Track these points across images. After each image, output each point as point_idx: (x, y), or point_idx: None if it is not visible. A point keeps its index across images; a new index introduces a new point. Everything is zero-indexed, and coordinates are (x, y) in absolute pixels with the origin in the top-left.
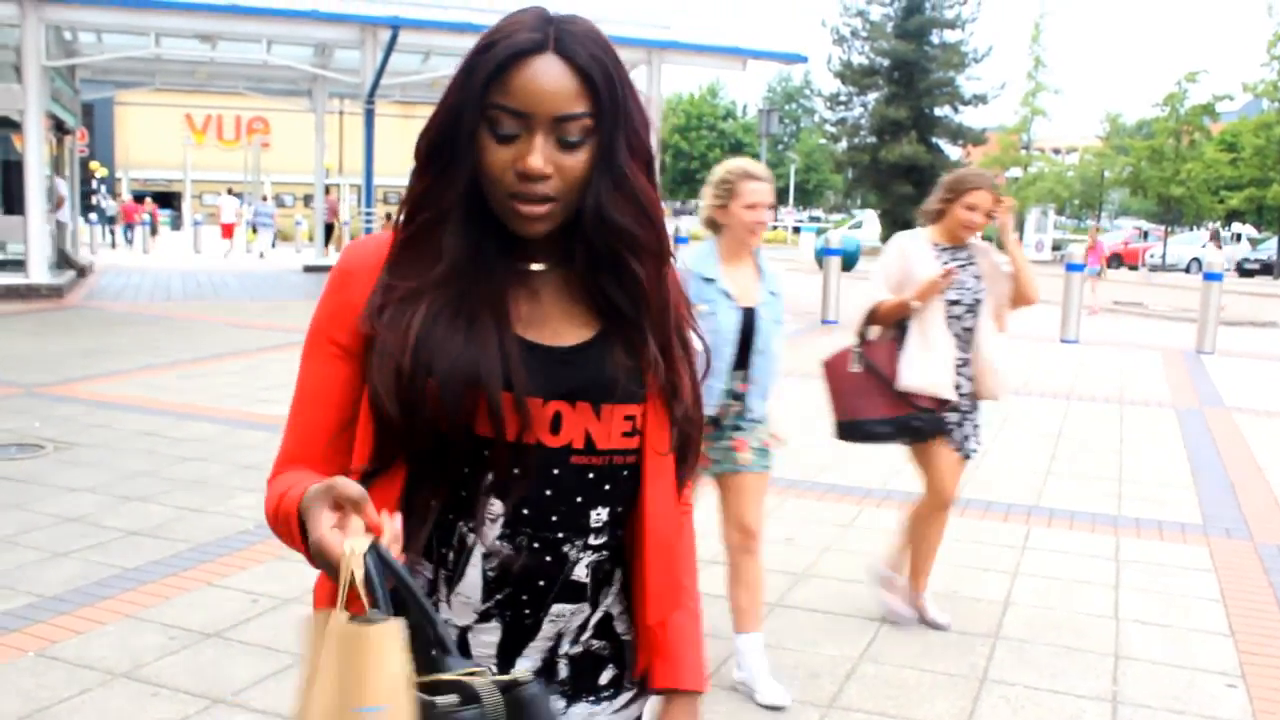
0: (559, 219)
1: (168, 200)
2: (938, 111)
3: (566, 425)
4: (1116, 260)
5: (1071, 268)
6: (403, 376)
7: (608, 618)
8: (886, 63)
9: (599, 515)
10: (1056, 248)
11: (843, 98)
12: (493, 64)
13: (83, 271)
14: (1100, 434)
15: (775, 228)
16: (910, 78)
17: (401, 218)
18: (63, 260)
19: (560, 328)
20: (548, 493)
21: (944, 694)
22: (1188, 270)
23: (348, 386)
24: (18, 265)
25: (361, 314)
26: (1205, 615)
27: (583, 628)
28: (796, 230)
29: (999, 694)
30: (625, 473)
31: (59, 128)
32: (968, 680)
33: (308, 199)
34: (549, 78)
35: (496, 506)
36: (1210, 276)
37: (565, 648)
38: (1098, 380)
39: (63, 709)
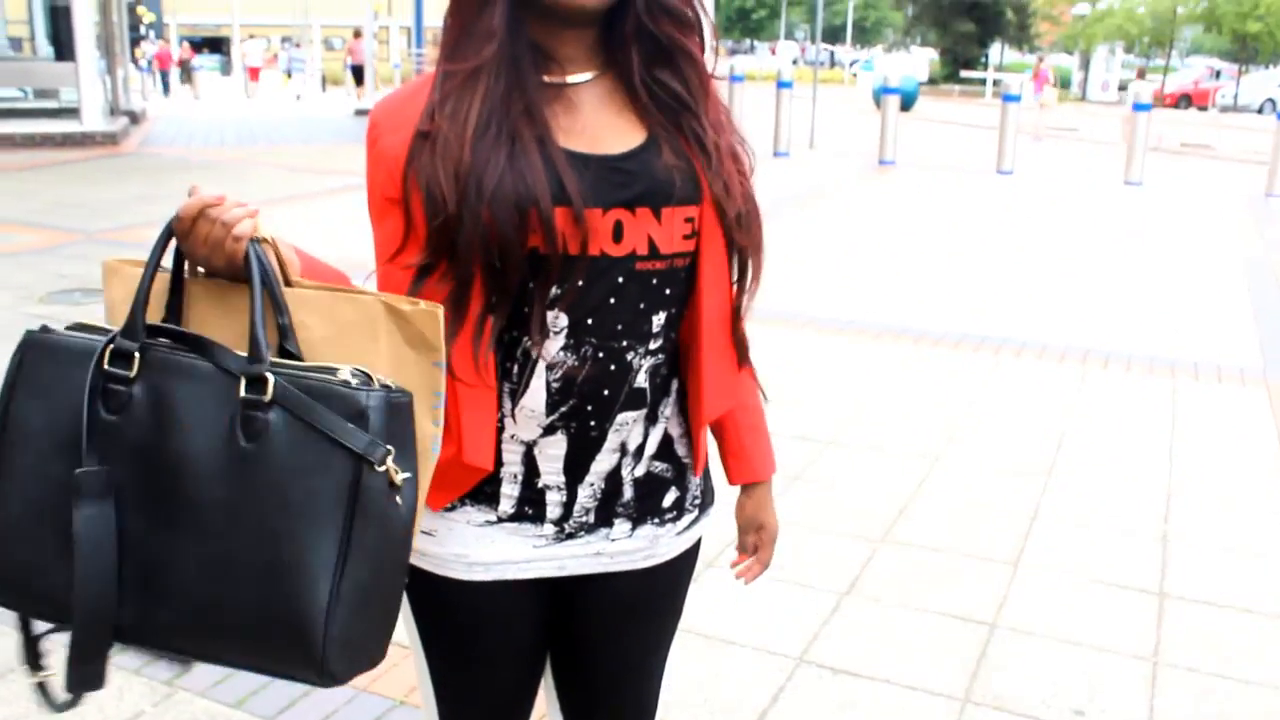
0: None
1: (217, 45)
2: None
3: (629, 233)
4: (1185, 101)
5: (1139, 107)
6: (461, 176)
7: (668, 440)
8: None
9: (658, 319)
10: (1123, 87)
11: None
12: None
13: (135, 118)
14: (1160, 279)
15: (832, 66)
16: None
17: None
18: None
19: (604, 136)
20: (611, 301)
21: (999, 528)
22: (1260, 111)
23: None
24: (72, 113)
25: (399, 161)
26: (1259, 456)
27: (642, 449)
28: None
29: (1048, 530)
30: (683, 274)
31: None
32: (1022, 516)
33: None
34: None
35: (560, 319)
36: None
37: (629, 470)
38: (1161, 224)
39: None
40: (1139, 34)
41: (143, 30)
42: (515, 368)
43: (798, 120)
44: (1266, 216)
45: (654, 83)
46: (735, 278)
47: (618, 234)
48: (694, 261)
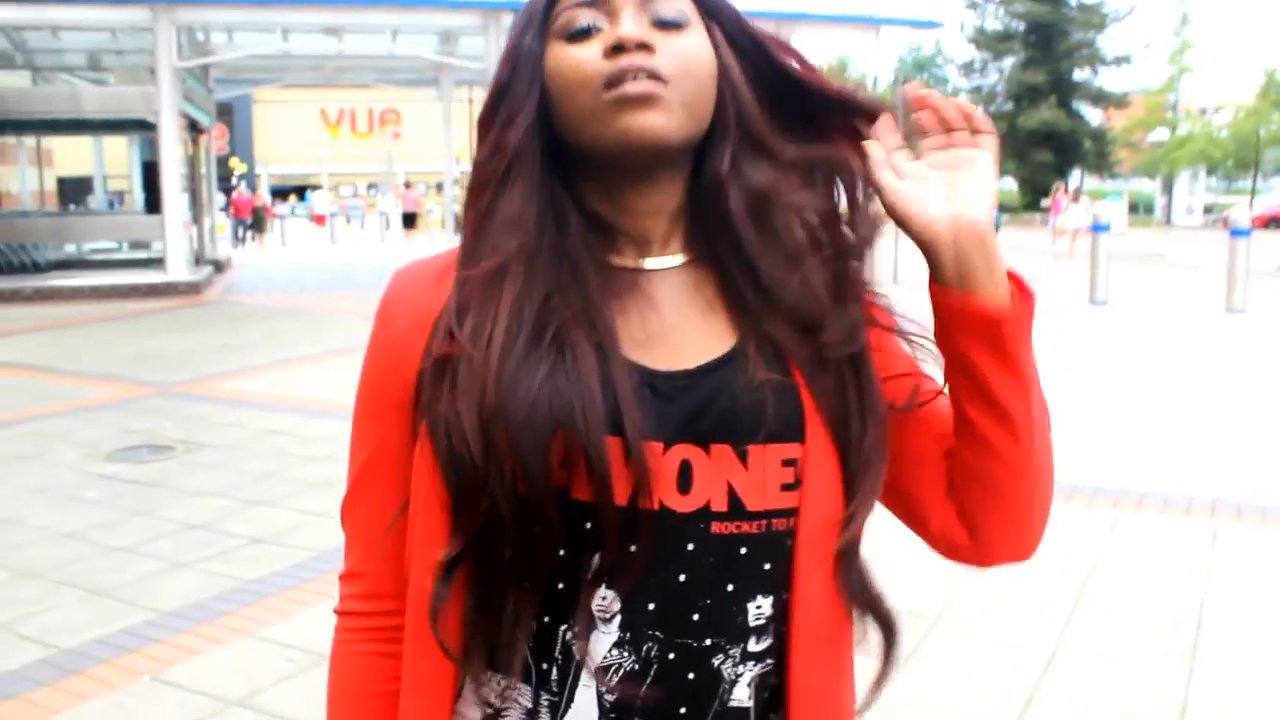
0: (679, 121)
1: (305, 194)
2: (1077, 75)
3: (700, 479)
4: (1274, 223)
5: (1236, 233)
6: (485, 411)
7: None
8: (1022, 26)
9: (759, 609)
10: (1208, 211)
11: (977, 65)
12: None
13: (220, 267)
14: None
15: None
16: (1048, 40)
17: (465, 200)
18: (201, 256)
19: (685, 344)
20: (681, 578)
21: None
22: None
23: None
24: (159, 263)
25: (414, 355)
26: None
27: None
28: None
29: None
30: (789, 542)
31: (193, 127)
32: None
33: (439, 187)
34: None
35: (610, 601)
36: None
37: None
38: (1271, 355)
39: None
40: (1222, 157)
41: (234, 180)
42: (553, 671)
43: (881, 253)
44: None
45: (742, 272)
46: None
47: (684, 481)
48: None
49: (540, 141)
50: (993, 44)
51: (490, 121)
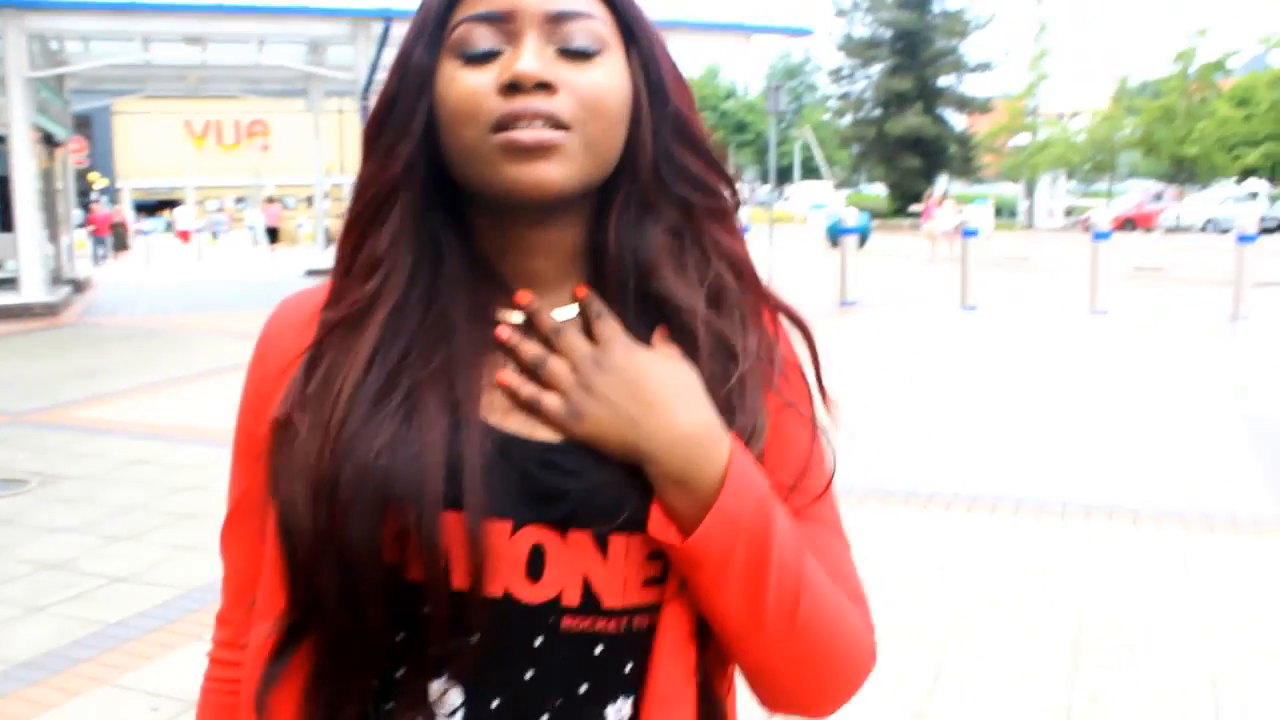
0: (580, 169)
1: (171, 208)
2: (942, 81)
3: (553, 567)
4: (1130, 224)
5: (1098, 236)
6: (317, 479)
7: None
8: (889, 33)
9: (619, 712)
10: (1068, 213)
11: (845, 71)
12: None
13: (80, 287)
14: (1146, 416)
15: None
16: (914, 48)
17: (342, 226)
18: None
19: None
20: (528, 676)
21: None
22: (1203, 230)
23: None
24: (11, 283)
25: (274, 403)
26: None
27: None
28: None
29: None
30: (648, 642)
31: (48, 140)
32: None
33: (310, 200)
34: None
35: (450, 694)
36: (1244, 239)
37: None
38: (1133, 355)
39: None
40: (1080, 161)
41: (94, 195)
42: None
43: (756, 262)
44: (1237, 340)
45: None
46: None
47: (535, 568)
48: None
49: (425, 168)
50: (861, 51)
51: (376, 137)
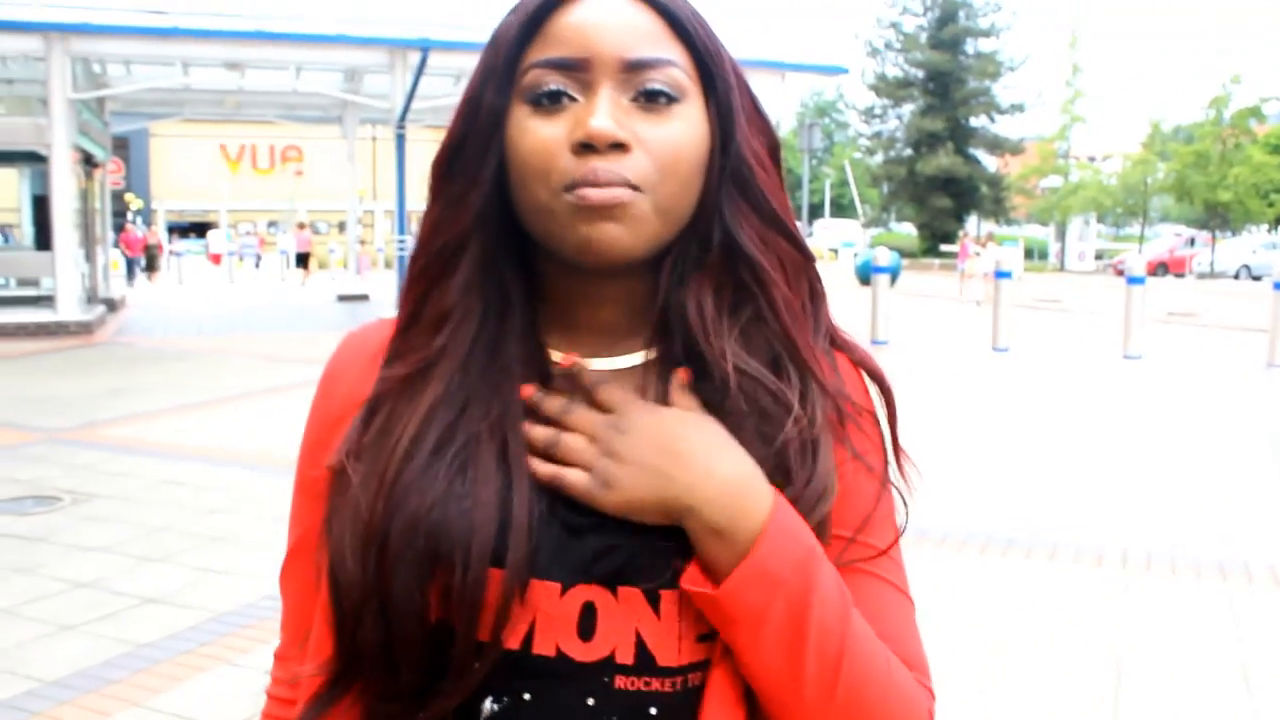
0: (650, 231)
1: (204, 231)
2: (974, 122)
3: (605, 626)
4: (1162, 269)
5: (1133, 280)
6: (367, 532)
7: None
8: (921, 74)
9: None
10: (1099, 256)
11: (877, 110)
12: (527, 13)
13: (114, 306)
14: (1181, 462)
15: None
16: (945, 88)
17: (405, 278)
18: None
19: None
20: None
21: None
22: (1236, 277)
23: None
24: (48, 301)
25: (336, 443)
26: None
27: None
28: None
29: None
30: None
31: (88, 161)
32: None
33: (342, 226)
34: (613, 11)
35: None
36: None
37: None
38: (1167, 400)
39: None
40: (1111, 204)
41: (129, 217)
42: None
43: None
44: (1273, 387)
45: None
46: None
47: (587, 626)
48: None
49: (496, 214)
50: (893, 91)
51: (445, 179)
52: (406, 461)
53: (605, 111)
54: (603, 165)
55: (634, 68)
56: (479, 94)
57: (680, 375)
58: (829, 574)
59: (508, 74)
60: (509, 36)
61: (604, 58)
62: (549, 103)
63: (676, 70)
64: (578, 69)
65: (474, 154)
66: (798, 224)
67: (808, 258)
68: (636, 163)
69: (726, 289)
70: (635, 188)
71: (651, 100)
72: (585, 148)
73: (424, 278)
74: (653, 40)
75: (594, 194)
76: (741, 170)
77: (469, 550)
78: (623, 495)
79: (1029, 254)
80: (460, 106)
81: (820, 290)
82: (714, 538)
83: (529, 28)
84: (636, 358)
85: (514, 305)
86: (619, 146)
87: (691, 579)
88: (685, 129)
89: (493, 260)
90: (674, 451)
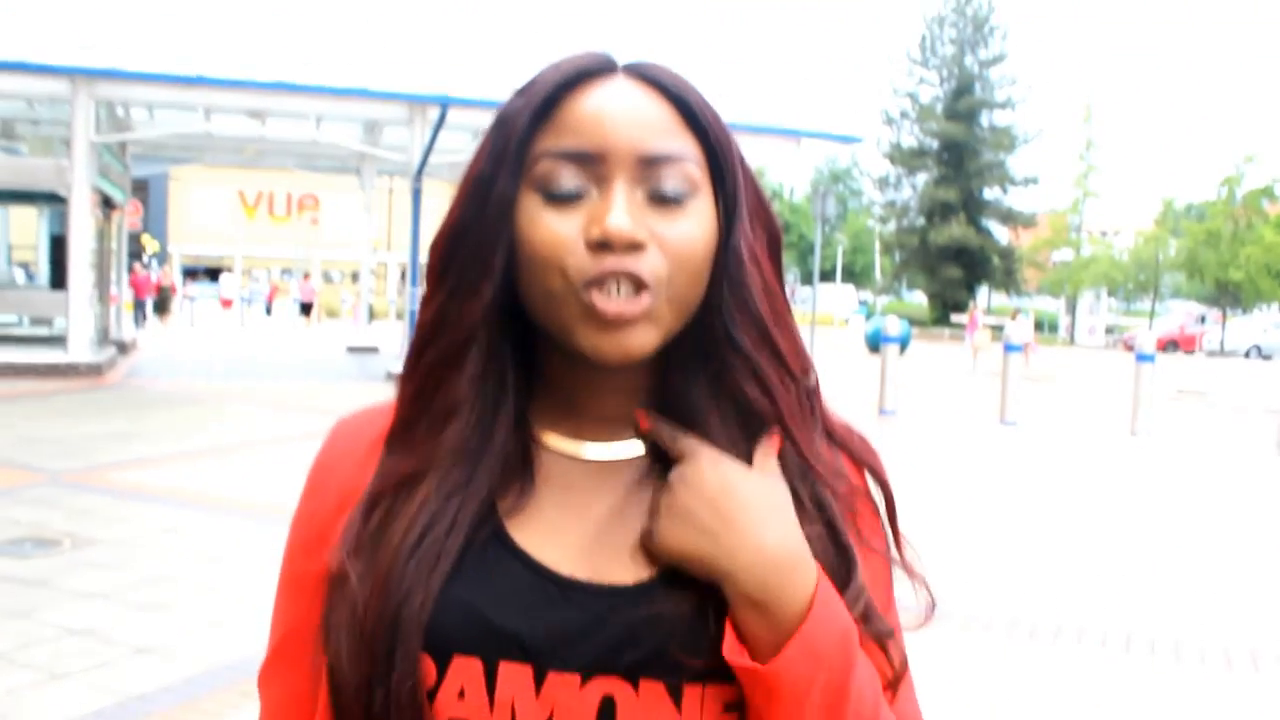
0: (663, 329)
1: (217, 275)
2: (987, 194)
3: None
4: (1172, 345)
5: (1142, 358)
6: (368, 623)
7: None
8: (936, 144)
9: None
10: (1109, 331)
11: (891, 179)
12: (539, 98)
13: (125, 348)
14: (1191, 548)
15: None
16: (960, 159)
17: (404, 365)
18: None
19: (623, 553)
20: None
21: None
22: (1246, 356)
23: None
24: (60, 341)
25: (333, 537)
26: None
27: None
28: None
29: None
30: None
31: (107, 203)
32: None
33: (355, 275)
34: (627, 101)
35: None
36: None
37: None
38: (1174, 482)
39: None
40: (1122, 279)
41: (145, 259)
42: None
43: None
44: None
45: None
46: None
47: None
48: None
49: (503, 304)
50: (907, 160)
51: (449, 263)
52: (406, 559)
53: (622, 209)
54: (618, 262)
55: (649, 163)
56: (487, 178)
57: (775, 438)
58: (862, 651)
59: (518, 160)
60: (520, 122)
61: (619, 151)
62: (564, 200)
63: (690, 165)
64: (592, 162)
65: (483, 240)
66: (801, 286)
67: (802, 357)
68: (651, 261)
69: (724, 378)
70: (648, 286)
71: (664, 203)
72: (602, 246)
73: (435, 370)
74: (667, 133)
75: (608, 307)
76: (739, 273)
77: (479, 646)
78: (665, 547)
79: (1038, 326)
80: (465, 187)
81: (816, 387)
82: (752, 609)
83: (540, 110)
84: (637, 447)
85: (508, 394)
86: (635, 247)
87: (731, 650)
88: (698, 225)
89: (499, 350)
90: (725, 512)
